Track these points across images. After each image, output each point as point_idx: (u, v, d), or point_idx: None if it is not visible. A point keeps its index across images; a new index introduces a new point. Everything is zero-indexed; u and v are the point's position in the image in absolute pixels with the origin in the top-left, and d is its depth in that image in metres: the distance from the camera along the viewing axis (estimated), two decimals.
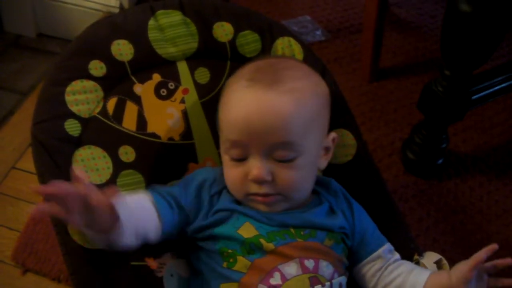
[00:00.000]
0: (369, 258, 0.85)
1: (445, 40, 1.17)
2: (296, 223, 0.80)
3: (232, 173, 0.80)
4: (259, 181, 0.77)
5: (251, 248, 0.77)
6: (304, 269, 0.77)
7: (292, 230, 0.79)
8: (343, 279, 0.81)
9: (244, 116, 0.76)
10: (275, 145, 0.76)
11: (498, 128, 1.55)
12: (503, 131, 1.54)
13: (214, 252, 0.79)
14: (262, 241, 0.77)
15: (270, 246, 0.77)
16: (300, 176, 0.79)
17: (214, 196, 0.82)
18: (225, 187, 0.83)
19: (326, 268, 0.78)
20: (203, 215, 0.81)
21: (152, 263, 0.85)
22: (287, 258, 0.77)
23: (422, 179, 1.39)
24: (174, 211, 0.80)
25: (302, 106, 0.78)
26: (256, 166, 0.77)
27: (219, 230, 0.79)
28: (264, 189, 0.78)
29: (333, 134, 0.86)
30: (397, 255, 0.87)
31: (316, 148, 0.82)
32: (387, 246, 0.86)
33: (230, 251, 0.77)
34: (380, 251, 0.85)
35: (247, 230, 0.78)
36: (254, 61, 0.86)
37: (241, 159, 0.79)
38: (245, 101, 0.78)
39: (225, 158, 0.81)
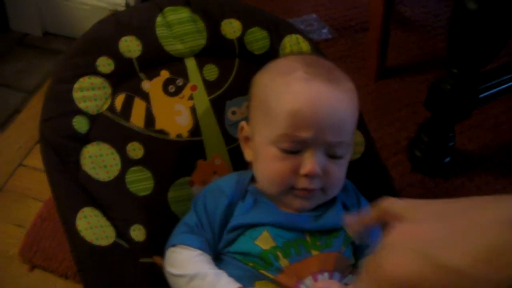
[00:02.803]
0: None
1: (452, 38, 1.17)
2: (313, 227, 0.78)
3: (277, 166, 0.76)
4: (313, 176, 0.75)
5: (269, 260, 0.75)
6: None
7: (308, 238, 0.78)
8: (350, 278, 0.80)
9: (313, 107, 0.73)
10: (335, 143, 0.75)
11: (505, 126, 1.54)
12: (510, 129, 1.53)
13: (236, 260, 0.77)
14: (279, 254, 0.75)
15: (285, 262, 0.75)
16: (344, 173, 0.80)
17: (232, 213, 0.80)
18: (240, 199, 0.80)
19: (336, 277, 0.77)
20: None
21: (160, 261, 0.84)
22: (301, 277, 0.74)
23: (428, 177, 1.39)
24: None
25: (355, 106, 0.79)
26: (312, 161, 0.74)
27: (236, 246, 0.77)
28: (313, 185, 0.76)
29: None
30: None
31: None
32: None
33: (251, 264, 0.76)
34: None
35: (265, 240, 0.76)
36: (293, 56, 0.84)
37: (294, 152, 0.75)
38: (311, 93, 0.74)
39: (271, 150, 0.76)
